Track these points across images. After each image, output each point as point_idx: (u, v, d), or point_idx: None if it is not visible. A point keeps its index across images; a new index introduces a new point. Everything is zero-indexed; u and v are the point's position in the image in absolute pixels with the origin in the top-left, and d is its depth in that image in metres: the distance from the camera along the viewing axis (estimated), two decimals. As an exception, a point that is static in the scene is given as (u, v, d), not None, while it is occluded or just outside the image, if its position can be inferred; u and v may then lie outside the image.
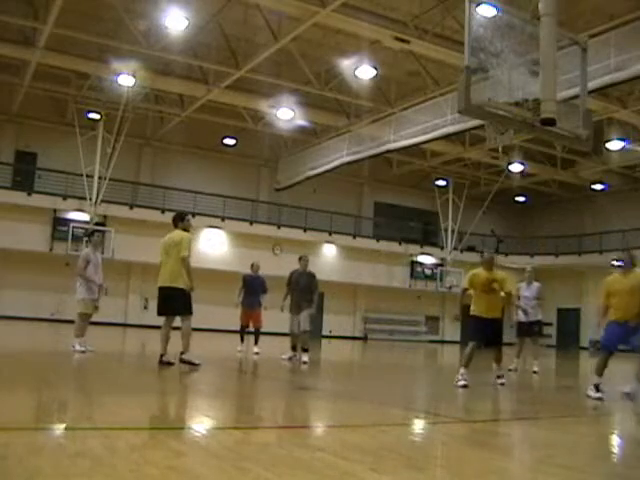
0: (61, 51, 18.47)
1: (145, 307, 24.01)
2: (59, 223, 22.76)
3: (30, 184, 23.19)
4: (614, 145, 22.58)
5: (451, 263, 29.86)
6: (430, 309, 31.02)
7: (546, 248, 30.88)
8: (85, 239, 19.82)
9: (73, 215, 23.04)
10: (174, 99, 23.25)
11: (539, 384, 9.98)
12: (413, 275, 29.78)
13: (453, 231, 30.02)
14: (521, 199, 33.50)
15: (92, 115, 23.18)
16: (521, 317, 11.03)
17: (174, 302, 7.92)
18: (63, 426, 3.97)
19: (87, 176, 22.84)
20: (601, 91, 15.84)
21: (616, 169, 27.35)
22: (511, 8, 8.56)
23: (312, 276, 10.76)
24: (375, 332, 29.53)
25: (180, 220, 8.22)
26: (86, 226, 22.37)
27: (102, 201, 23.19)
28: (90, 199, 22.95)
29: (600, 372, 7.08)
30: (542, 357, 12.68)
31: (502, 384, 8.03)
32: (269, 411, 5.42)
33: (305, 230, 26.78)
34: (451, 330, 29.88)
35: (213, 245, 25.35)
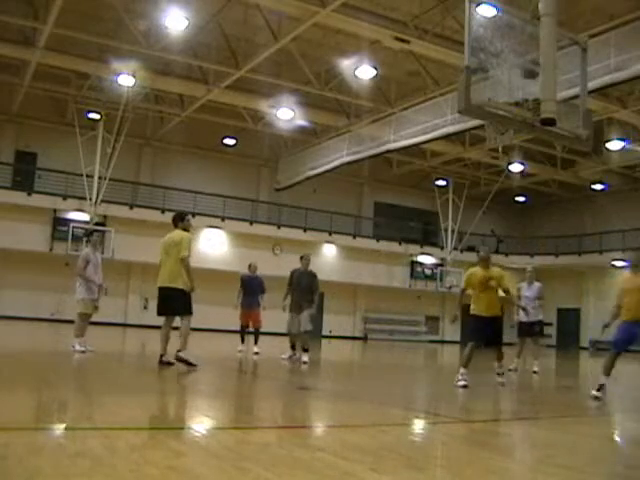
0: (61, 51, 18.47)
1: (145, 307, 24.01)
2: (59, 223, 22.75)
3: (30, 184, 23.19)
4: (614, 145, 22.58)
5: (451, 263, 29.86)
6: (430, 309, 31.02)
7: (546, 248, 30.87)
8: (85, 239, 19.83)
9: (73, 215, 23.04)
10: (174, 99, 23.25)
11: (539, 384, 9.97)
12: (413, 275, 29.78)
13: (453, 231, 30.02)
14: (521, 199, 33.50)
15: (92, 115, 23.18)
16: (522, 317, 11.02)
17: (173, 302, 7.92)
18: (63, 426, 3.97)
19: (87, 176, 22.84)
20: (601, 91, 15.83)
21: (616, 169, 27.34)
22: (511, 8, 8.57)
23: (313, 276, 10.76)
24: (375, 332, 29.53)
25: (180, 220, 8.22)
26: (86, 226, 22.37)
27: (102, 201, 23.19)
28: (90, 199, 22.95)
29: (608, 372, 7.09)
30: (542, 357, 12.67)
31: (502, 384, 8.03)
32: (269, 411, 5.42)
33: (305, 230, 26.78)
34: (451, 330, 29.84)
35: (213, 245, 25.36)
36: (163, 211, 23.13)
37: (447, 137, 20.05)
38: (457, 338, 29.47)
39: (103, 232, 22.55)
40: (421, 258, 30.06)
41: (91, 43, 18.10)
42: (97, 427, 3.87)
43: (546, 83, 7.85)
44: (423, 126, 19.02)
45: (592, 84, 11.76)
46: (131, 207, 23.99)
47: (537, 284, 11.32)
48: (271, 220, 27.00)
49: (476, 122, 14.97)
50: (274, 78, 19.77)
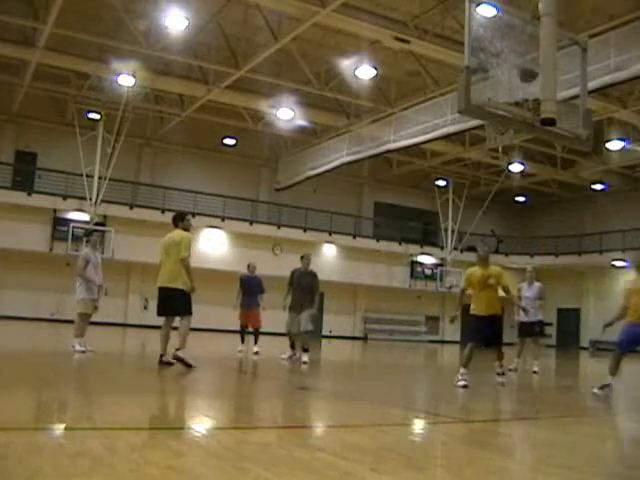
0: (61, 51, 18.47)
1: (145, 307, 24.01)
2: (59, 223, 22.75)
3: (30, 184, 23.19)
4: (614, 145, 22.57)
5: (451, 263, 29.86)
6: (430, 309, 31.03)
7: (546, 248, 30.87)
8: (85, 239, 19.83)
9: (73, 215, 23.04)
10: (174, 99, 23.24)
11: (539, 384, 9.98)
12: (413, 275, 29.79)
13: (453, 231, 30.03)
14: (521, 199, 33.49)
15: (92, 115, 23.18)
16: (522, 317, 11.03)
17: (173, 302, 7.92)
18: (63, 426, 3.97)
19: (87, 176, 22.84)
20: (601, 91, 15.83)
21: (616, 169, 27.34)
22: (511, 8, 8.56)
23: (314, 275, 10.76)
24: (375, 332, 29.53)
25: (180, 220, 8.22)
26: (86, 226, 22.38)
27: (102, 201, 23.19)
28: (90, 199, 22.95)
29: (613, 372, 7.11)
30: (542, 357, 12.67)
31: (502, 384, 8.03)
32: (269, 411, 5.42)
33: (305, 230, 26.78)
34: (451, 330, 29.81)
35: (213, 245, 25.36)
36: (163, 211, 23.13)
37: (447, 137, 20.05)
38: (457, 338, 29.47)
39: (103, 232, 22.56)
40: (421, 258, 30.06)
41: (91, 43, 18.10)
42: (97, 427, 3.87)
43: (546, 83, 7.85)
44: (423, 126, 19.02)
45: (592, 84, 11.76)
46: (131, 207, 23.99)
47: (537, 284, 11.32)
48: (271, 220, 27.00)
49: (476, 122, 14.97)
50: (274, 78, 19.77)
